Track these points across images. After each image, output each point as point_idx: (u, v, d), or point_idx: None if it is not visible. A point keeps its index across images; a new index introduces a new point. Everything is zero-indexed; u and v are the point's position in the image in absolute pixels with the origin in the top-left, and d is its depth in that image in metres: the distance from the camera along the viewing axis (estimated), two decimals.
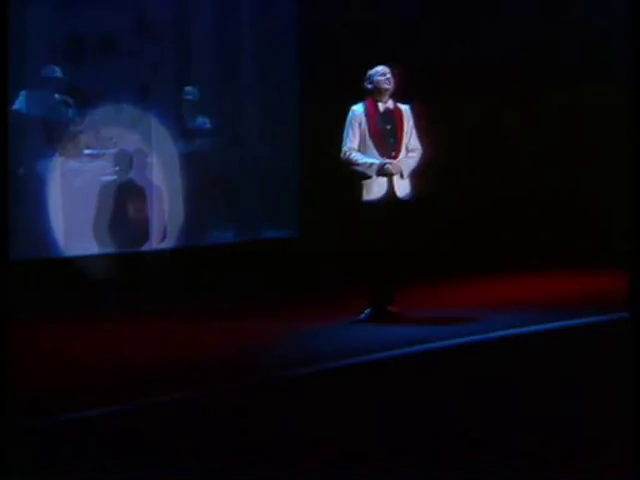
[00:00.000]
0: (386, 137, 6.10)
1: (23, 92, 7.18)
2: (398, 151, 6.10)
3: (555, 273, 7.92)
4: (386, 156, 6.07)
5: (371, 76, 6.14)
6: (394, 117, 6.13)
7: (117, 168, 7.70)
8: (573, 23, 8.61)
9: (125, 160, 7.66)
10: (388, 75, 6.11)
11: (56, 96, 7.34)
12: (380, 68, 6.14)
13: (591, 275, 7.67)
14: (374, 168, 6.03)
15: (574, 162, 8.65)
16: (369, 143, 6.08)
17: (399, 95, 6.18)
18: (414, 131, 6.16)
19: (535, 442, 3.70)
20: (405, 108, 6.19)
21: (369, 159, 6.06)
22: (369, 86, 6.13)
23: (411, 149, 6.14)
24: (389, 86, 6.11)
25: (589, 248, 8.23)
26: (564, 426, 3.86)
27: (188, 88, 7.98)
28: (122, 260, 7.45)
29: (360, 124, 6.07)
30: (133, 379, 4.80)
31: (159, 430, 3.89)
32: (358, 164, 6.06)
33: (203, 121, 8.09)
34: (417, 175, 6.17)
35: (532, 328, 5.78)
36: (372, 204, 6.04)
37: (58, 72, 7.31)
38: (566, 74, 8.62)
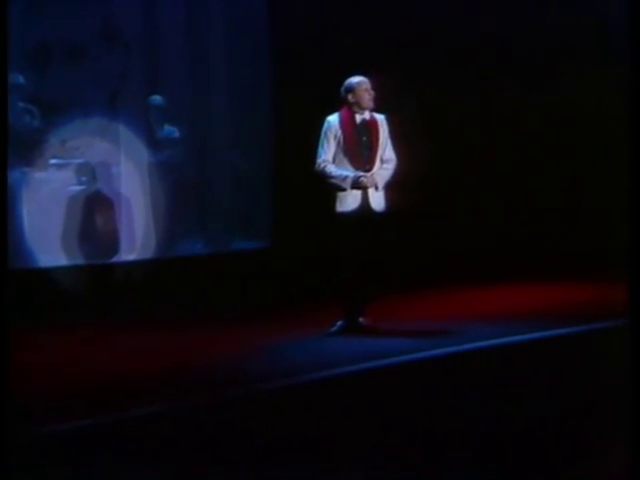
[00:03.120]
0: (361, 149, 6.17)
1: None
2: (372, 163, 6.17)
3: (534, 283, 7.96)
4: (360, 168, 6.15)
5: (353, 89, 6.14)
6: (370, 129, 6.18)
7: (84, 178, 7.74)
8: (559, 23, 8.70)
9: (92, 170, 7.71)
10: (371, 92, 6.13)
11: (20, 104, 7.39)
12: (363, 82, 6.14)
13: (573, 285, 7.73)
14: (348, 181, 6.12)
15: (560, 169, 8.73)
16: (343, 155, 6.14)
17: (375, 104, 6.20)
18: (389, 142, 6.23)
19: (515, 456, 3.79)
20: (381, 118, 6.24)
21: (343, 172, 6.13)
22: (350, 98, 6.15)
23: (386, 160, 6.22)
24: (370, 103, 6.15)
25: (571, 257, 8.32)
26: (544, 442, 3.94)
27: (157, 97, 8.05)
28: (90, 272, 7.48)
29: (335, 136, 6.13)
30: (102, 393, 4.84)
31: (127, 445, 3.97)
32: (332, 177, 6.14)
33: (172, 130, 8.16)
34: (393, 186, 6.25)
35: (509, 339, 5.86)
36: (346, 216, 6.15)
37: (21, 80, 7.36)
38: (557, 79, 8.67)
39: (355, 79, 6.18)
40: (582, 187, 8.70)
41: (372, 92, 6.15)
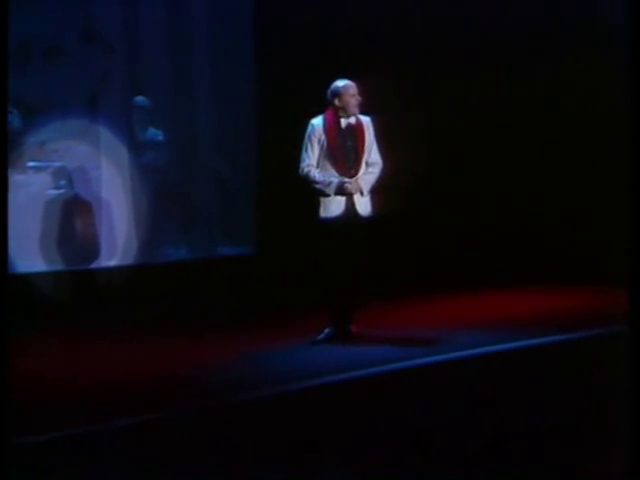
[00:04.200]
0: (346, 154, 6.13)
1: None
2: (357, 168, 6.14)
3: (523, 290, 7.97)
4: (345, 173, 6.12)
5: (339, 93, 6.10)
6: (355, 132, 6.14)
7: (63, 182, 7.70)
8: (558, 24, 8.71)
9: (71, 173, 7.66)
10: (358, 97, 6.09)
11: None
12: (349, 87, 6.10)
13: (567, 291, 7.74)
14: (332, 187, 6.08)
15: (556, 172, 8.67)
16: (327, 160, 6.11)
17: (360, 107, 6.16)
18: (375, 144, 6.19)
19: (506, 468, 3.76)
20: (366, 121, 6.20)
21: (327, 177, 6.10)
22: (336, 103, 6.10)
23: (371, 163, 6.19)
24: (356, 109, 6.11)
25: (566, 262, 8.30)
26: (539, 453, 3.92)
27: (139, 98, 8.00)
28: (69, 278, 7.43)
29: (319, 140, 6.10)
30: (79, 403, 4.80)
31: (99, 458, 3.92)
32: (316, 182, 6.11)
33: (155, 133, 8.11)
34: (379, 191, 6.22)
35: (500, 347, 5.86)
36: (330, 222, 6.12)
37: None
38: (553, 80, 8.64)
39: (342, 83, 6.14)
40: (578, 190, 8.67)
41: (359, 97, 6.11)
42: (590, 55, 8.39)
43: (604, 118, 7.74)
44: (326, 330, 6.19)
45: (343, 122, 6.14)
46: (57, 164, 7.66)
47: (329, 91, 6.15)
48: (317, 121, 6.15)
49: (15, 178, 7.41)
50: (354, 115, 6.15)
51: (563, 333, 6.08)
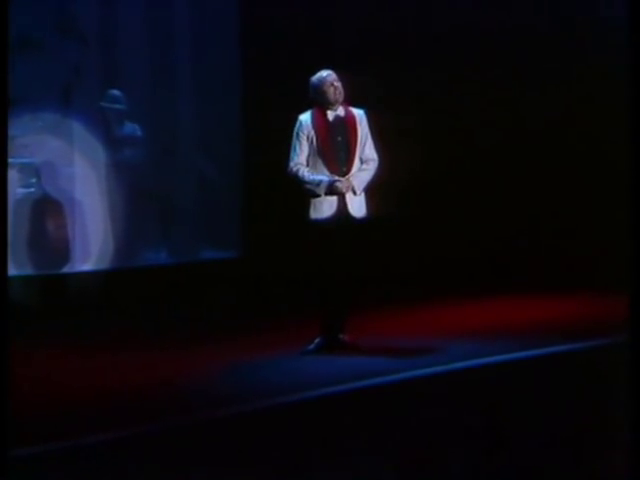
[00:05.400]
0: (336, 150, 6.06)
1: None
2: (350, 165, 6.07)
3: (523, 297, 7.99)
4: (336, 172, 6.05)
5: (316, 86, 6.04)
6: (346, 126, 6.07)
7: (33, 180, 7.68)
8: (560, 20, 8.79)
9: (42, 171, 7.64)
10: (337, 84, 6.01)
11: None
12: (326, 76, 6.03)
13: (561, 299, 7.78)
14: (322, 187, 6.02)
15: (558, 176, 8.74)
16: (317, 158, 6.04)
17: (351, 98, 6.11)
18: (369, 139, 6.11)
19: None
20: (359, 113, 6.12)
21: (317, 177, 6.03)
22: (317, 97, 6.05)
23: (365, 160, 6.11)
24: (339, 97, 6.03)
25: (558, 270, 8.37)
26: (539, 468, 3.93)
27: (114, 92, 7.99)
28: (40, 283, 7.41)
29: (308, 136, 6.04)
30: (50, 417, 4.75)
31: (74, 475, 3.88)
32: (305, 182, 6.05)
33: (132, 128, 8.08)
34: (374, 190, 6.16)
35: (497, 358, 5.86)
36: (321, 223, 6.06)
37: None
38: (557, 73, 8.69)
39: (317, 75, 6.06)
40: (577, 195, 8.74)
41: (337, 84, 6.02)
42: (590, 55, 8.51)
43: (605, 123, 7.83)
44: (317, 339, 6.14)
45: (330, 115, 6.07)
46: (27, 160, 7.66)
47: (309, 86, 6.08)
48: (305, 117, 6.08)
49: None
50: (342, 106, 6.09)
51: (567, 342, 6.08)
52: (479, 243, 8.58)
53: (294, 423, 4.69)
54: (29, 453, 4.12)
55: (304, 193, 6.10)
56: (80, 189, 7.78)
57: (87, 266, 7.78)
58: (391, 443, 4.24)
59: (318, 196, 6.05)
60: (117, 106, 7.95)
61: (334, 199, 6.06)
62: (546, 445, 4.16)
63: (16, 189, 7.63)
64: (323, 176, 6.05)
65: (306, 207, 6.10)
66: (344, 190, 6.04)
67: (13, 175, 7.61)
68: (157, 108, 8.20)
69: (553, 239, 8.72)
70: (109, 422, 4.65)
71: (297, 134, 6.08)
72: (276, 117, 7.10)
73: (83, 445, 4.28)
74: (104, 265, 7.79)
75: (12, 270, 7.40)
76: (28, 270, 7.53)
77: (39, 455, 4.15)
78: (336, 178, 6.04)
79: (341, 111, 6.10)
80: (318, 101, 6.07)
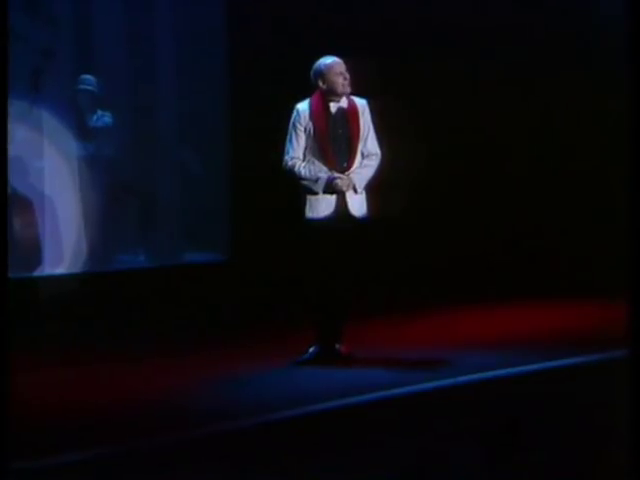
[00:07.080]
0: (337, 144, 6.01)
1: None
2: (351, 160, 6.04)
3: (535, 305, 8.07)
4: (336, 167, 6.00)
5: (322, 73, 5.96)
6: (348, 118, 6.01)
7: None
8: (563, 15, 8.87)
9: (8, 164, 7.63)
10: (346, 75, 5.94)
11: None
12: (334, 63, 5.96)
13: (575, 307, 7.86)
14: (320, 184, 5.99)
15: (560, 179, 8.93)
16: (315, 152, 5.99)
17: (352, 89, 6.05)
18: (371, 132, 6.07)
19: None
20: (362, 104, 6.06)
21: (315, 173, 6.00)
22: (321, 84, 5.97)
23: (367, 154, 6.07)
24: (347, 89, 5.97)
25: (572, 278, 8.42)
26: None
27: (87, 77, 7.96)
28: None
29: (305, 128, 5.99)
30: (26, 433, 4.75)
31: None
32: (302, 178, 6.02)
33: (108, 118, 8.08)
34: (376, 187, 6.13)
35: (509, 371, 5.90)
36: (318, 223, 6.04)
37: None
38: (564, 70, 8.82)
39: (326, 61, 5.99)
40: (580, 201, 8.84)
41: (347, 75, 5.96)
42: (590, 55, 8.61)
43: (606, 126, 7.91)
44: (311, 349, 6.14)
45: (333, 106, 6.01)
46: None
47: (312, 71, 6.00)
48: (303, 106, 6.02)
49: None
50: (345, 97, 6.07)
51: (574, 355, 6.13)
52: (491, 245, 8.63)
53: (285, 440, 4.69)
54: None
55: (300, 190, 6.06)
56: (50, 184, 7.75)
57: (59, 269, 7.77)
58: (389, 462, 4.25)
59: (316, 194, 6.03)
60: (90, 88, 7.94)
61: (333, 197, 6.03)
62: (551, 458, 4.17)
63: None
64: (321, 172, 6.03)
65: (301, 205, 6.08)
66: (344, 188, 6.01)
67: None
68: (136, 96, 8.19)
69: (557, 244, 8.80)
70: (76, 440, 4.65)
71: (294, 125, 6.01)
72: (268, 106, 7.12)
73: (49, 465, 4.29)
74: (77, 268, 7.79)
75: None
76: None
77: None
78: (336, 175, 6.02)
79: (344, 102, 6.09)
80: (321, 89, 6.00)
